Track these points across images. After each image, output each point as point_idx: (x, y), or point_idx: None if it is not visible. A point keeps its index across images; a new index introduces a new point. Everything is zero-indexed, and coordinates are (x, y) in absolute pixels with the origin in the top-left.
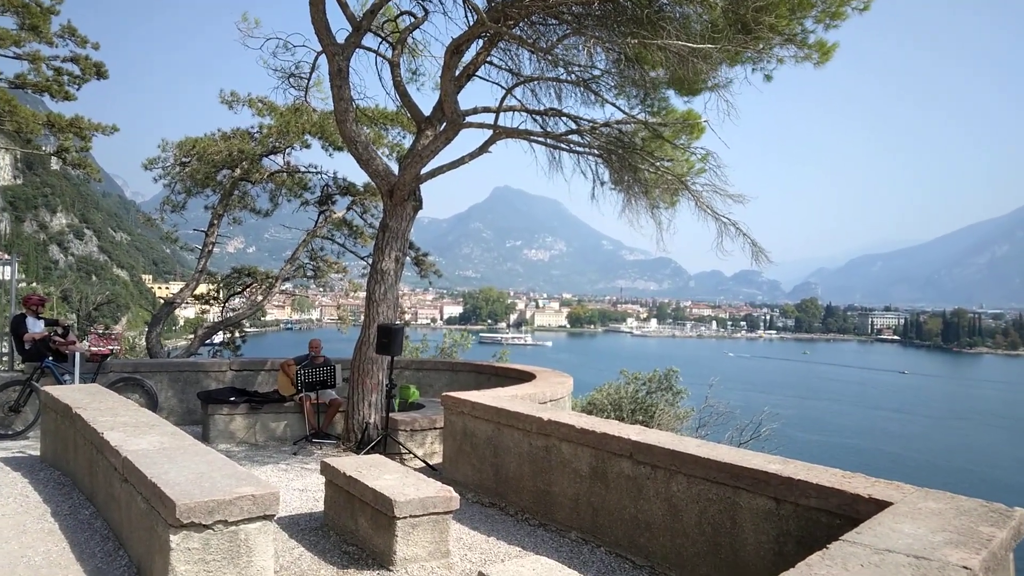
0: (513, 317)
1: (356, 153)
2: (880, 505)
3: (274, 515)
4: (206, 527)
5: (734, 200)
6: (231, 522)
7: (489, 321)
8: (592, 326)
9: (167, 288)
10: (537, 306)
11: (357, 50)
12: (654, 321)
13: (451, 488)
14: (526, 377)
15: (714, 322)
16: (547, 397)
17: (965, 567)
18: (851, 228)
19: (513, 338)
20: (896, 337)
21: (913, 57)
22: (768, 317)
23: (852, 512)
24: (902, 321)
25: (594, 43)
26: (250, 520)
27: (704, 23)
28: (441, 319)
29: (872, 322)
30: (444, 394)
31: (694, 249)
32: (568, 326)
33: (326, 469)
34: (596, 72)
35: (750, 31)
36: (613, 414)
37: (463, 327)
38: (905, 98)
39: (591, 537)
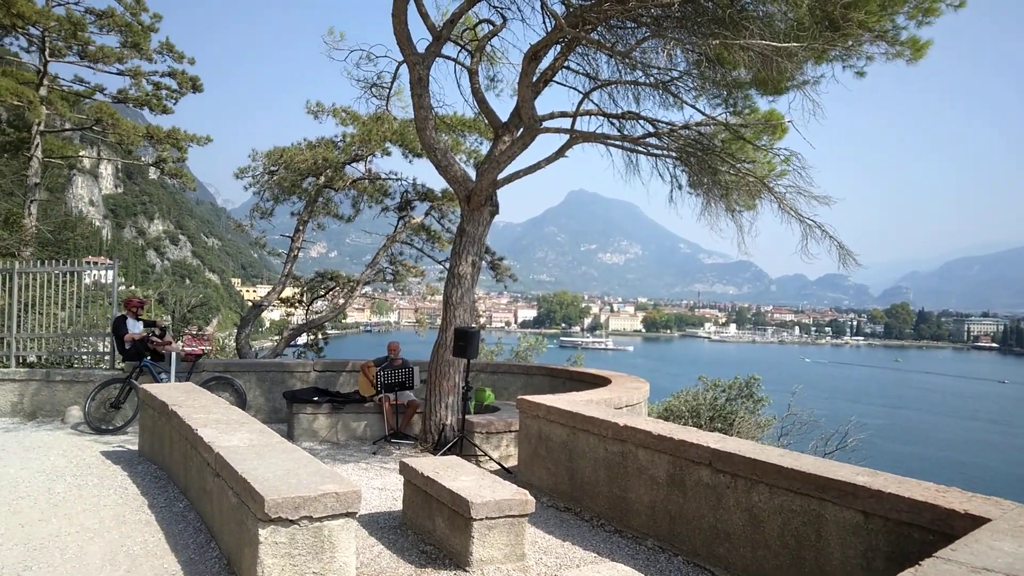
0: (587, 321)
1: (435, 160)
2: (977, 521)
3: (356, 512)
4: (292, 522)
5: (819, 201)
6: (316, 518)
7: (563, 325)
8: (668, 331)
9: (255, 291)
10: (612, 310)
11: (437, 59)
12: (733, 326)
13: (526, 491)
14: (601, 382)
15: (797, 327)
16: (623, 402)
17: None
18: (947, 229)
19: (593, 342)
20: (995, 344)
21: (1015, 49)
22: (855, 323)
23: (947, 528)
24: (1001, 328)
25: (673, 45)
26: (333, 517)
27: (789, 21)
28: (515, 323)
29: (968, 329)
30: (519, 397)
31: (776, 252)
32: (643, 331)
33: (404, 469)
34: (675, 74)
35: (838, 28)
36: (691, 421)
37: (537, 331)
38: (1006, 92)
39: (668, 545)
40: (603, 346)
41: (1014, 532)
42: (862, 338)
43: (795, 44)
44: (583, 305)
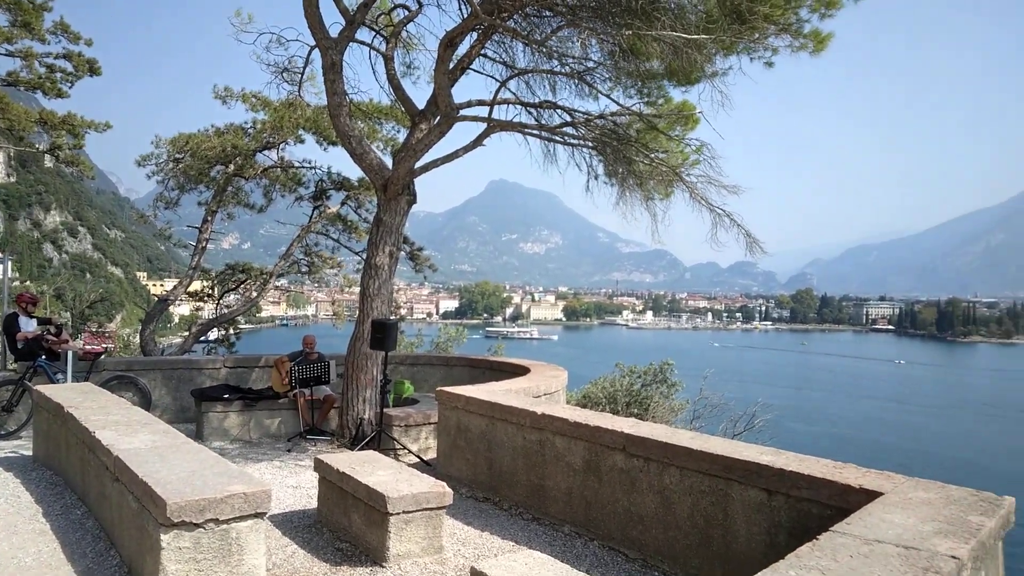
0: (509, 311)
1: (350, 148)
2: (871, 495)
3: (266, 513)
4: (197, 526)
5: (728, 191)
6: (222, 520)
7: (485, 315)
8: (588, 319)
9: (162, 285)
10: (533, 300)
11: (351, 44)
12: (650, 313)
13: (444, 484)
14: (520, 371)
15: (710, 314)
16: (541, 391)
17: (954, 556)
18: (847, 218)
19: (519, 332)
20: (891, 327)
21: (909, 48)
22: (763, 308)
23: (843, 503)
24: (897, 311)
25: (588, 35)
26: (241, 518)
27: (700, 13)
28: (437, 313)
29: (867, 312)
30: (438, 389)
31: (690, 241)
32: (564, 319)
33: (319, 466)
34: (591, 64)
35: (745, 21)
36: (608, 407)
37: (459, 321)
38: (900, 88)
39: (584, 531)
40: (528, 335)
41: (903, 505)
42: (770, 323)
43: (704, 36)
44: (505, 295)
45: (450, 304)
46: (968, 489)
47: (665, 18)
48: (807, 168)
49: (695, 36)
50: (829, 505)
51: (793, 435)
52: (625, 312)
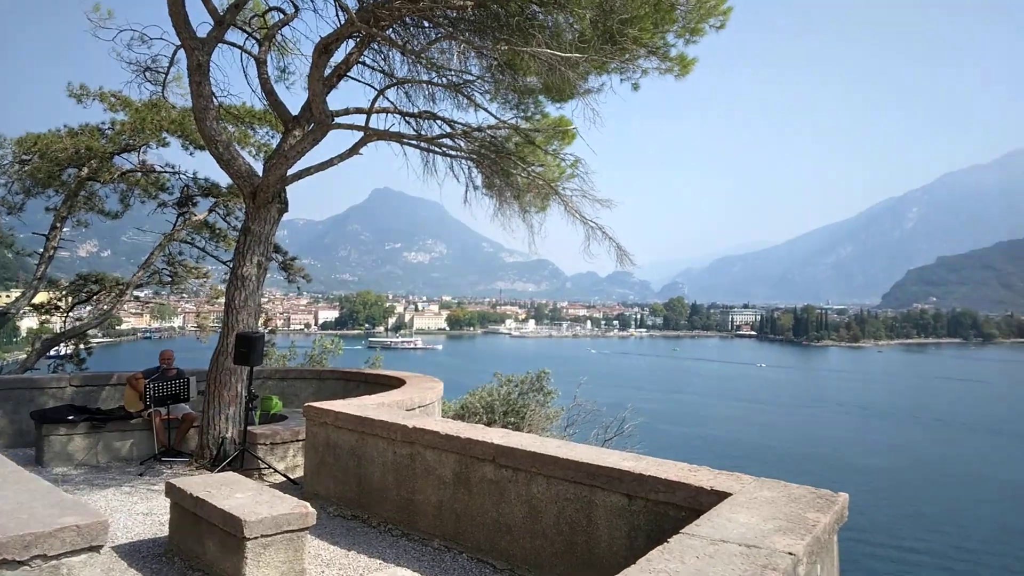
0: (392, 321)
1: (216, 153)
2: (721, 496)
3: (102, 546)
4: (21, 563)
5: (602, 204)
6: (51, 556)
7: (367, 325)
8: (471, 328)
9: (7, 296)
10: (416, 309)
11: (221, 45)
12: (532, 322)
13: (307, 504)
14: (396, 384)
15: (588, 322)
16: (415, 403)
17: (790, 552)
18: (716, 231)
19: (403, 342)
20: (753, 332)
21: (762, 69)
22: (639, 316)
23: (696, 504)
24: (758, 317)
25: (466, 48)
26: (74, 553)
27: (575, 32)
28: (316, 324)
29: (732, 319)
30: (306, 405)
31: (570, 251)
32: (448, 329)
33: (171, 490)
34: (470, 77)
35: (616, 42)
36: (486, 417)
37: (339, 332)
38: (762, 109)
39: (453, 544)
40: (413, 345)
41: (749, 504)
42: (645, 330)
43: (577, 55)
44: (388, 305)
45: (330, 314)
46: (808, 487)
47: (541, 36)
48: (681, 183)
49: (569, 54)
50: (684, 507)
51: (665, 437)
52: (508, 321)
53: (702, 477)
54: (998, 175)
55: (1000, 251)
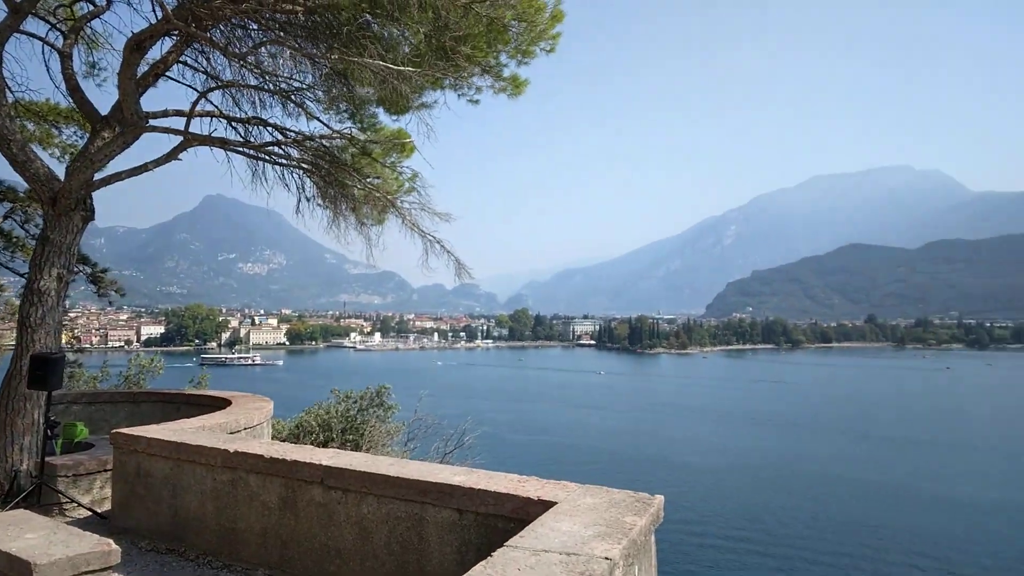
0: (226, 336)
1: (10, 154)
2: (547, 506)
3: None
4: None
5: (441, 218)
6: None
7: (197, 341)
8: (313, 342)
9: None
10: (253, 323)
11: (20, 36)
12: (378, 335)
13: (111, 541)
14: (221, 404)
15: (436, 334)
16: (241, 425)
17: (607, 557)
18: (558, 245)
19: (240, 359)
20: (593, 342)
21: (606, 94)
22: (485, 327)
23: (524, 515)
24: (597, 327)
25: (291, 53)
26: None
27: (412, 46)
28: (138, 341)
29: (573, 329)
30: (113, 431)
31: (416, 263)
32: (288, 343)
33: None
34: (302, 84)
35: (450, 58)
36: (322, 436)
37: (164, 349)
38: (603, 128)
39: (279, 572)
40: (251, 361)
41: (572, 513)
42: (491, 341)
43: (409, 68)
44: (221, 319)
45: (155, 330)
46: (628, 492)
47: (375, 47)
48: (527, 196)
49: (400, 68)
50: (512, 519)
51: (510, 446)
52: (353, 334)
53: (530, 487)
54: (802, 197)
55: (804, 266)
